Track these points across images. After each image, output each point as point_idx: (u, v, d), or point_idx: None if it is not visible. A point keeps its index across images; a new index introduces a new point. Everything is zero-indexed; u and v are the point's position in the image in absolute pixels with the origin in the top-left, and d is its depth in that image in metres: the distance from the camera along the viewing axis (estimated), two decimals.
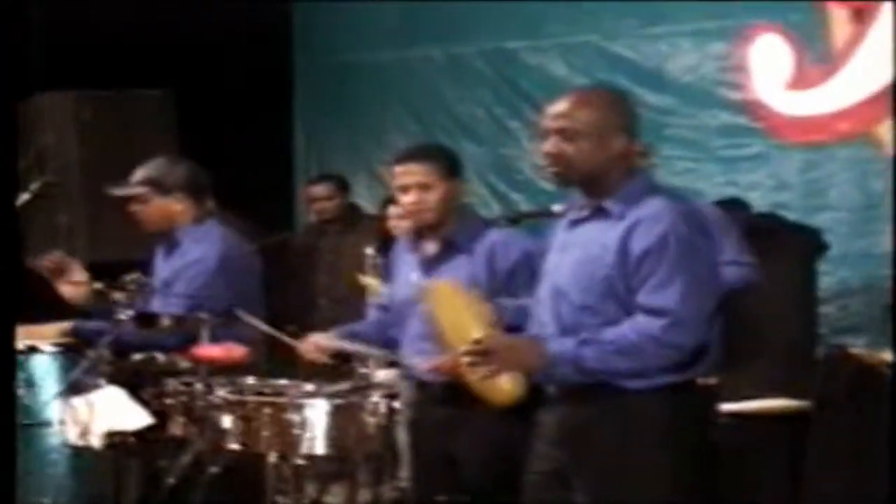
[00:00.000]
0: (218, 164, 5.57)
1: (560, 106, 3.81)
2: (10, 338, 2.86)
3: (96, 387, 4.82)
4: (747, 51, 6.98)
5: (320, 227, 7.71)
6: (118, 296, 5.06)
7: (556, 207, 4.18)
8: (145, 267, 5.45)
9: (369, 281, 6.32)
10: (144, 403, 4.80)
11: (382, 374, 4.91)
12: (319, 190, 7.70)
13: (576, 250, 3.81)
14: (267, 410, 4.62)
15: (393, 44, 8.48)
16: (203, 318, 4.88)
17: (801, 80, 6.81)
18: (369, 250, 6.40)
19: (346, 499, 5.55)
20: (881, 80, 6.45)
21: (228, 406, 4.66)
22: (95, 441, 4.78)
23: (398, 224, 6.80)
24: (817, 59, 6.74)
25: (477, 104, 8.13)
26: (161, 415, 4.80)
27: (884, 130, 6.48)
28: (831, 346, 5.87)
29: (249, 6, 8.17)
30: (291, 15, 8.93)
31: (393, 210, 6.86)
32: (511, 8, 7.89)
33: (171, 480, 4.83)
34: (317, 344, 4.87)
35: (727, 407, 4.95)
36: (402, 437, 4.85)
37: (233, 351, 4.83)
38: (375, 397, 4.64)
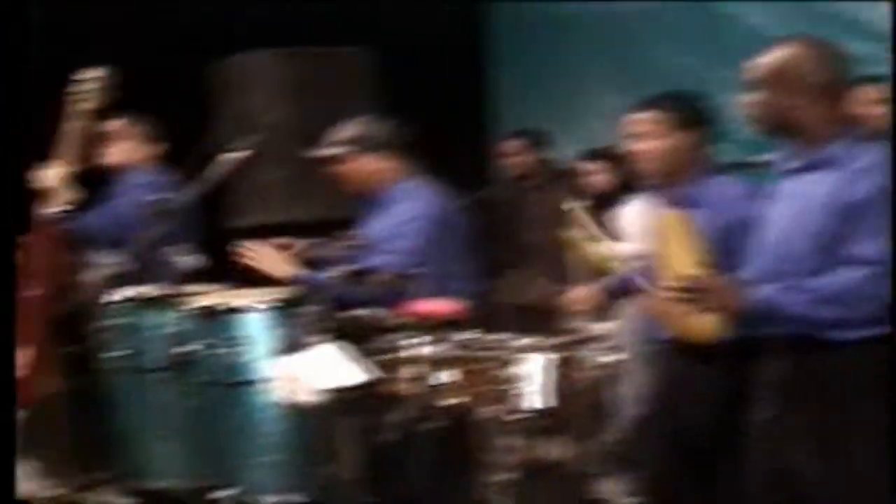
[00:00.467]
0: (415, 120, 5.57)
1: (769, 57, 3.84)
2: (10, 338, 2.88)
3: (312, 344, 4.87)
4: None
5: (516, 183, 7.67)
6: (333, 253, 5.12)
7: (766, 157, 4.16)
8: (348, 226, 5.52)
9: (573, 235, 6.28)
10: (360, 359, 4.82)
11: (599, 328, 4.89)
12: (514, 146, 7.67)
13: (789, 201, 3.82)
14: (482, 365, 4.61)
15: None
16: (418, 275, 4.93)
17: None
18: (571, 204, 6.37)
19: (562, 454, 5.52)
20: None
21: (444, 361, 4.65)
22: (311, 397, 4.82)
23: (595, 179, 6.77)
24: None
25: (681, 55, 7.97)
26: (377, 370, 4.81)
27: None
28: None
29: None
30: None
31: (590, 165, 6.83)
32: None
33: (386, 436, 4.85)
34: (582, 295, 5.00)
35: None
36: (619, 390, 4.82)
37: (448, 307, 4.84)
38: (592, 350, 4.61)
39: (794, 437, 3.79)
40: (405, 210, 5.32)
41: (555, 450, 5.64)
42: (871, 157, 3.73)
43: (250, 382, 5.45)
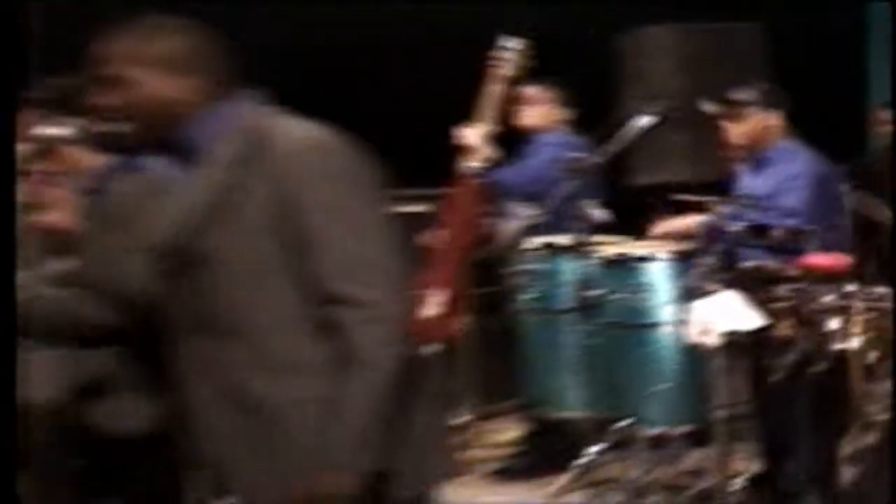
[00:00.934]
0: (796, 94, 5.92)
1: None
2: (11, 338, 2.91)
3: (713, 291, 5.18)
4: None
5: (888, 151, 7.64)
6: (726, 210, 5.52)
7: None
8: (725, 186, 5.91)
9: None
10: (757, 307, 5.09)
11: None
12: (888, 114, 7.74)
13: None
14: (869, 315, 4.90)
15: None
16: (809, 230, 5.25)
17: None
18: None
19: None
20: None
21: (833, 310, 4.93)
22: (712, 340, 5.13)
23: None
24: None
25: None
26: (771, 317, 5.07)
27: None
28: None
29: None
30: None
31: None
32: None
33: (777, 377, 5.09)
34: None
35: None
36: None
37: (838, 260, 5.09)
38: None
39: None
40: (789, 168, 5.66)
41: None
42: None
43: (650, 325, 5.82)
